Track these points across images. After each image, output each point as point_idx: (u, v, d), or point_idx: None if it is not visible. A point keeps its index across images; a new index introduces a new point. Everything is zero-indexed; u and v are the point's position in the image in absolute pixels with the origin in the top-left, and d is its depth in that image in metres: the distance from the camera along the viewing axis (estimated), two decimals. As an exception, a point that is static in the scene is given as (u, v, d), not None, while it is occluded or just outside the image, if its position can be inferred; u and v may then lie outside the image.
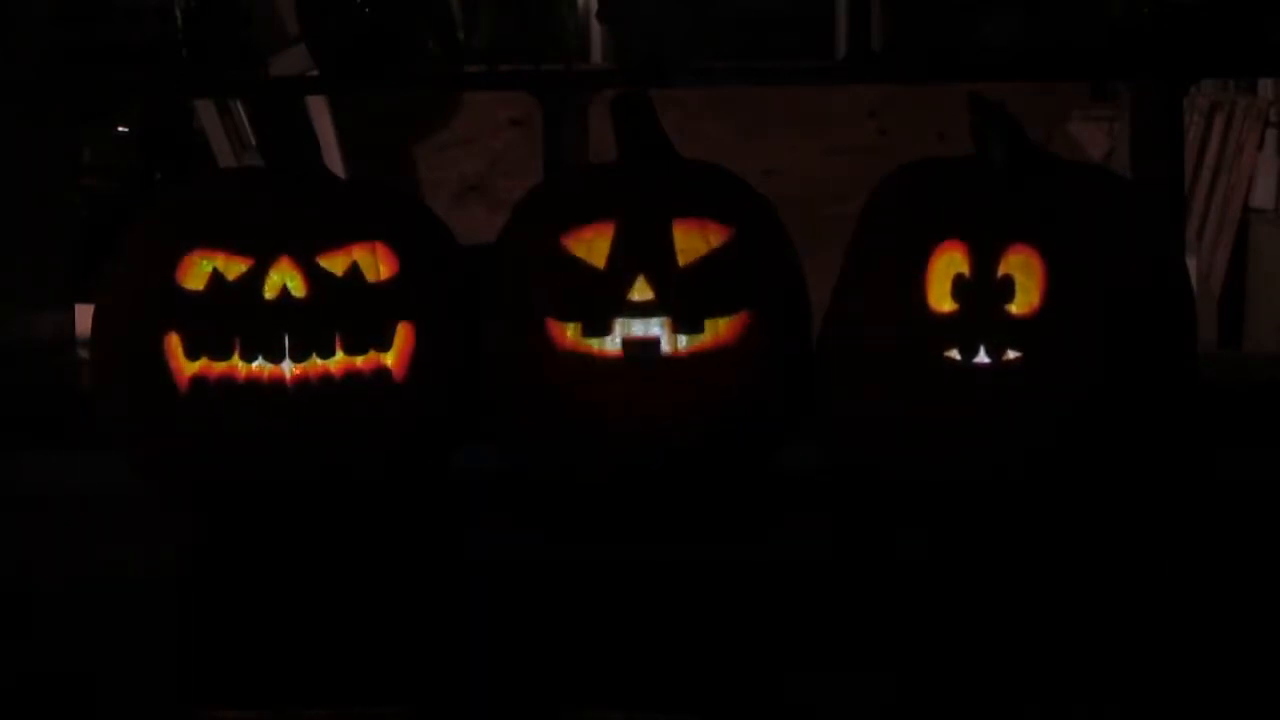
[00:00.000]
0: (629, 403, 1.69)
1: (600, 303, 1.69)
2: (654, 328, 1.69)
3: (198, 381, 1.68)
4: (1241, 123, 4.80)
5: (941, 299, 1.64)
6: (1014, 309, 1.61)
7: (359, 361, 1.70)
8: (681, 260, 1.69)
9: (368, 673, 1.49)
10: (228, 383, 1.68)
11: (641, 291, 1.68)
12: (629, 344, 1.69)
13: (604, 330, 1.69)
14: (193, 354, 1.68)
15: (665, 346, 1.69)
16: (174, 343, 1.68)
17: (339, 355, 1.69)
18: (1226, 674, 1.45)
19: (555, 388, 1.70)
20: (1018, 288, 1.61)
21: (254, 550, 1.71)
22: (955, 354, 1.62)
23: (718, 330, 1.70)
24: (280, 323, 1.67)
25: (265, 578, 1.66)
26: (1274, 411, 2.12)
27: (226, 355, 1.67)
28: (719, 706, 1.43)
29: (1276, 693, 1.41)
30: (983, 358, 1.61)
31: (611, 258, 1.69)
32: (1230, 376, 2.47)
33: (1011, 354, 1.61)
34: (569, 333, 1.70)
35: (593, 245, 1.70)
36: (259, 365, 1.68)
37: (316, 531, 1.72)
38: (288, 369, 1.68)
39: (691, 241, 1.70)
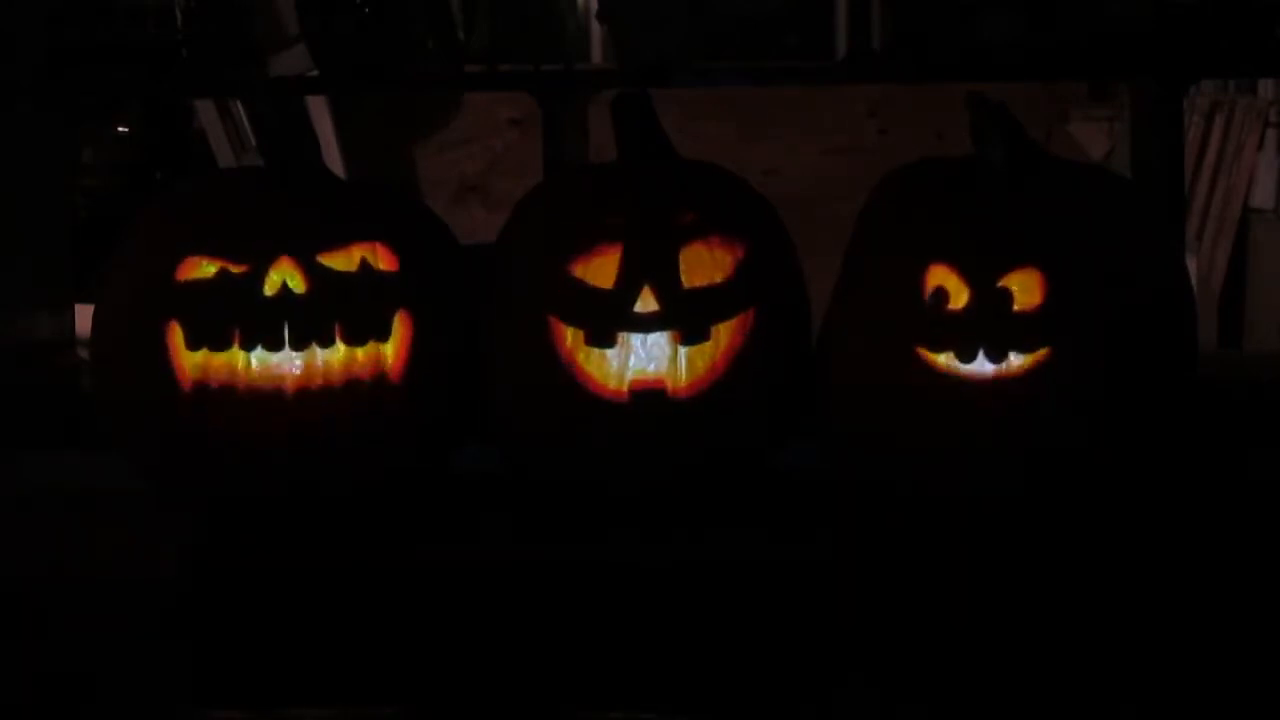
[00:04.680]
0: (631, 438, 1.69)
1: (604, 315, 1.69)
2: (660, 342, 1.68)
3: (197, 372, 1.68)
4: (1241, 123, 4.81)
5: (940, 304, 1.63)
6: (1013, 312, 1.61)
7: (359, 355, 1.70)
8: (686, 275, 1.69)
9: (367, 673, 1.49)
10: (227, 375, 1.68)
11: (646, 303, 1.68)
12: (636, 390, 1.68)
13: (608, 342, 1.69)
14: (193, 344, 1.68)
15: (668, 382, 1.69)
16: (175, 336, 1.68)
17: (339, 346, 1.69)
18: (1231, 673, 1.45)
19: (556, 410, 1.70)
20: (1018, 292, 1.61)
21: (253, 549, 1.71)
22: (954, 357, 1.62)
23: (719, 345, 1.70)
24: (280, 313, 1.67)
25: (264, 577, 1.66)
26: (1274, 411, 2.12)
27: (226, 345, 1.67)
28: (718, 706, 1.43)
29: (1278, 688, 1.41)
30: (982, 360, 1.61)
31: (617, 271, 1.69)
32: (1230, 376, 2.48)
33: (1012, 356, 1.61)
34: (569, 339, 1.70)
35: (597, 260, 1.70)
36: (260, 363, 1.68)
37: (316, 530, 1.72)
38: (288, 366, 1.68)
39: (696, 257, 1.70)
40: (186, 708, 1.46)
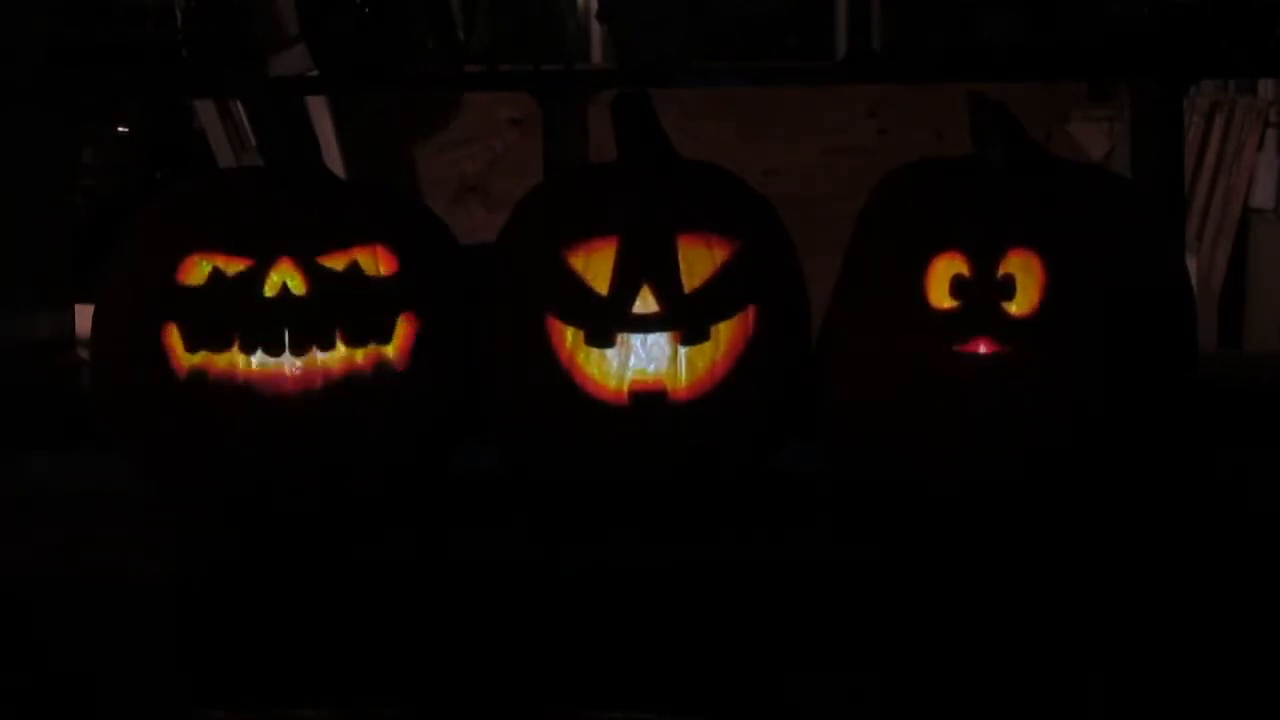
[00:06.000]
0: (631, 439, 1.69)
1: (603, 315, 1.68)
2: (660, 342, 1.68)
3: (196, 373, 1.68)
4: (1241, 123, 4.81)
5: (941, 299, 1.64)
6: (1014, 309, 1.61)
7: (359, 357, 1.70)
8: (686, 275, 1.69)
9: (368, 673, 1.49)
10: (227, 376, 1.68)
11: (645, 304, 1.68)
12: (636, 391, 1.68)
13: (607, 342, 1.68)
14: (192, 347, 1.68)
15: (668, 383, 1.68)
16: (174, 337, 1.68)
17: (340, 349, 1.69)
18: (1226, 673, 1.45)
19: (555, 411, 1.70)
20: (1018, 287, 1.61)
21: (254, 549, 1.71)
22: (955, 349, 1.62)
23: (719, 346, 1.70)
24: (280, 317, 1.67)
25: (265, 577, 1.66)
26: (1274, 411, 2.12)
27: (226, 347, 1.67)
28: (717, 706, 1.43)
29: (1275, 689, 1.41)
30: (980, 349, 1.61)
31: (616, 271, 1.69)
32: (1230, 376, 2.47)
33: (1012, 348, 1.61)
34: (569, 339, 1.69)
35: (596, 260, 1.70)
36: (259, 363, 1.68)
37: (316, 530, 1.72)
38: (288, 366, 1.68)
39: (696, 256, 1.70)
40: (186, 708, 1.46)
